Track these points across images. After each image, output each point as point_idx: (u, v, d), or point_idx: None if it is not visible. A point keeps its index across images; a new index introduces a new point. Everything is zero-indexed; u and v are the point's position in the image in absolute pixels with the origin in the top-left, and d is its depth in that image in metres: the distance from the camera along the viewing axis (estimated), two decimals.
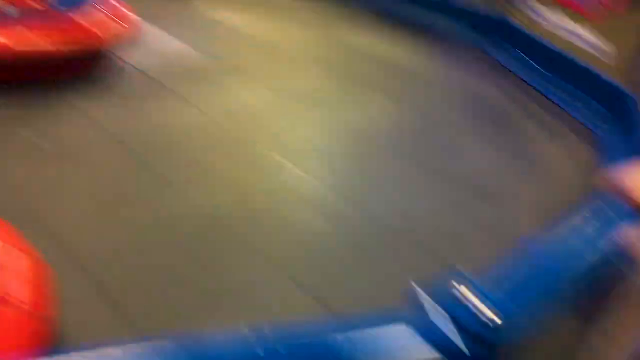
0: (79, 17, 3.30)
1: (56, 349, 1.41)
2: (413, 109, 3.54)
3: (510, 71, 4.12)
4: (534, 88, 3.89)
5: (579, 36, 3.71)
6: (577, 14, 3.74)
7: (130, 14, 3.51)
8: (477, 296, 1.09)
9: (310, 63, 4.07)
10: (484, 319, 1.07)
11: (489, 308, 1.08)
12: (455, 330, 1.03)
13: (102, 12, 3.40)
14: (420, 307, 1.07)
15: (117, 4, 3.57)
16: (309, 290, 2.14)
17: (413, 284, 1.10)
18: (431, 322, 1.04)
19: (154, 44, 3.82)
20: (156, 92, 3.42)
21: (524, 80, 3.98)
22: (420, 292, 1.09)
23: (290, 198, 2.69)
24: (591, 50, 3.65)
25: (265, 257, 2.30)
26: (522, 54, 4.18)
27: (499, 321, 1.07)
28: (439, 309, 1.06)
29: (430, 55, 4.40)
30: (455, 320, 1.04)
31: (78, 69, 3.34)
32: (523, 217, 2.72)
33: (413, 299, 1.09)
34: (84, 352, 0.91)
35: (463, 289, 1.08)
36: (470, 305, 1.06)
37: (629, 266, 1.43)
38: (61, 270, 1.76)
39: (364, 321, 1.07)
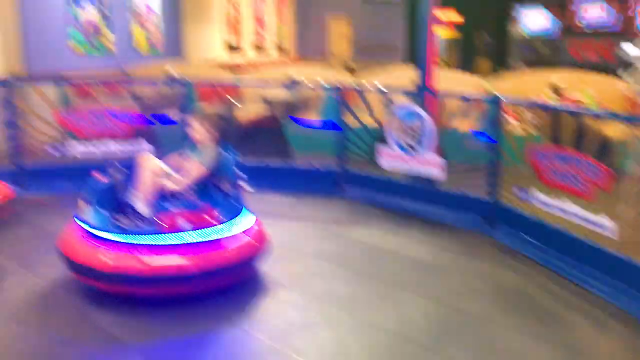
0: None
1: None
2: (444, 304, 3.48)
3: (527, 257, 4.17)
4: (557, 273, 3.91)
5: (582, 217, 3.88)
6: (574, 196, 3.92)
7: None
8: None
9: (323, 261, 4.09)
10: None
11: None
12: None
13: None
14: None
15: None
16: None
17: None
18: None
19: None
20: None
21: (544, 265, 4.03)
22: None
23: None
24: (595, 228, 3.77)
25: None
26: (534, 240, 4.29)
27: None
28: None
29: (444, 246, 4.46)
30: None
31: None
32: None
33: None
34: None
35: None
36: None
37: None
38: None
39: None
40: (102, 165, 3.72)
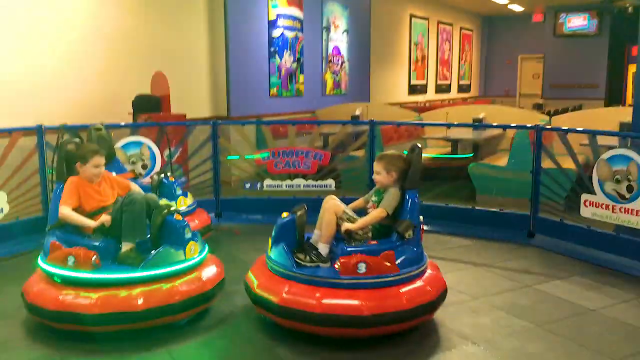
0: None
1: None
2: None
3: None
4: None
5: None
6: None
7: None
8: None
9: (513, 316, 3.76)
10: None
11: None
12: None
13: None
14: None
15: None
16: None
17: None
18: None
19: None
20: None
21: None
22: None
23: None
24: None
25: None
26: None
27: None
28: None
29: None
30: None
31: None
32: None
33: None
34: None
35: None
36: None
37: None
38: None
39: None
40: (290, 202, 3.84)
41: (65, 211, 3.62)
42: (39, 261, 3.56)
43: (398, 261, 3.33)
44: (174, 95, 6.81)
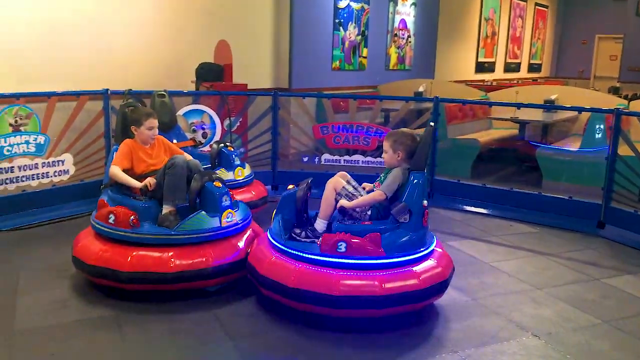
0: None
1: None
2: None
3: None
4: None
5: None
6: None
7: None
8: None
9: (579, 309, 3.52)
10: None
11: None
12: None
13: None
14: None
15: None
16: None
17: None
18: None
19: None
20: None
21: None
22: None
23: None
24: None
25: None
26: None
27: None
28: None
29: None
30: None
31: None
32: None
33: None
34: None
35: None
36: None
37: None
38: None
39: None
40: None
41: (115, 170, 3.71)
42: (91, 217, 3.68)
43: (380, 245, 3.11)
44: (237, 65, 6.78)
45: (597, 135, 6.21)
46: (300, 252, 3.19)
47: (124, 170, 3.74)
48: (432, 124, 3.42)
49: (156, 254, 3.35)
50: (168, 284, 3.34)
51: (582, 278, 4.08)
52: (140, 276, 3.30)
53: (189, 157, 3.88)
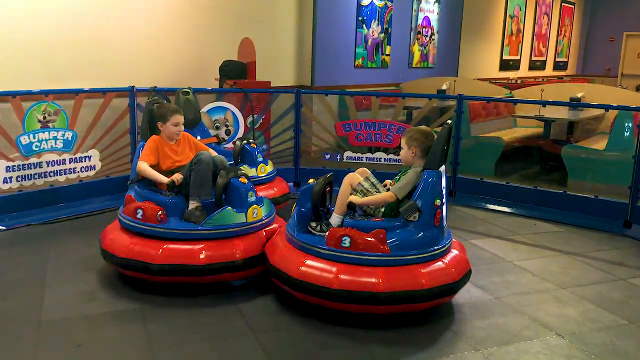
0: None
1: None
2: None
3: None
4: None
5: None
6: None
7: None
8: None
9: (605, 310, 3.46)
10: None
11: None
12: None
13: None
14: None
15: None
16: None
17: None
18: None
19: None
20: None
21: None
22: None
23: None
24: None
25: None
26: None
27: None
28: None
29: None
30: None
31: None
32: None
33: None
34: None
35: None
36: None
37: None
38: None
39: None
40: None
41: (143, 166, 3.77)
42: (119, 212, 3.75)
43: (386, 242, 3.09)
44: (260, 62, 6.82)
45: (625, 134, 6.10)
46: (309, 244, 3.24)
47: (151, 166, 3.79)
48: (449, 121, 3.40)
49: (187, 247, 3.41)
50: (198, 276, 3.39)
51: (608, 278, 4.02)
52: (171, 268, 3.36)
53: (214, 153, 3.92)
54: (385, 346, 2.97)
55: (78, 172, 5.24)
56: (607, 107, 5.97)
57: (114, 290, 3.56)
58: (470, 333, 3.14)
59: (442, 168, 3.35)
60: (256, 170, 4.88)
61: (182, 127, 3.96)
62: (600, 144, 6.67)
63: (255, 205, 3.60)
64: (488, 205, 5.75)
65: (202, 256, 3.37)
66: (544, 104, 6.60)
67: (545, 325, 3.26)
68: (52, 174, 5.06)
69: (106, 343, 2.95)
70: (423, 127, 3.54)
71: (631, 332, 3.23)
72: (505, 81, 12.36)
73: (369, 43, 9.03)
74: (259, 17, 7.54)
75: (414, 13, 9.94)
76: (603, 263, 4.30)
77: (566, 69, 16.93)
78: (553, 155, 7.09)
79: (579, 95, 7.82)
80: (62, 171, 5.13)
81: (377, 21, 9.09)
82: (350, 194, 3.39)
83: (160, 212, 3.50)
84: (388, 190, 3.40)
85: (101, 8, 5.96)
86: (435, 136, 3.38)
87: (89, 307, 3.33)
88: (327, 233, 3.25)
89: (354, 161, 6.08)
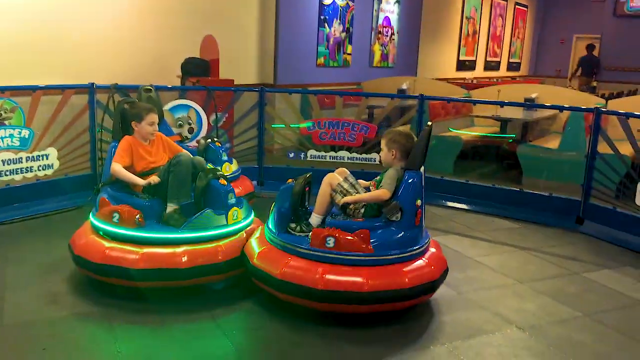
0: None
1: None
2: None
3: None
4: None
5: None
6: None
7: None
8: None
9: (561, 303, 3.59)
10: None
11: None
12: None
13: None
14: None
15: None
16: None
17: None
18: None
19: None
20: None
21: None
22: None
23: None
24: None
25: None
26: None
27: None
28: None
29: None
30: None
31: None
32: None
33: None
34: None
35: None
36: None
37: None
38: None
39: None
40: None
41: (117, 167, 3.67)
42: (90, 216, 3.64)
43: (370, 243, 3.14)
44: (223, 60, 6.78)
45: (576, 134, 6.34)
46: (292, 244, 3.24)
47: (125, 168, 3.69)
48: (429, 123, 3.47)
49: (168, 251, 3.32)
50: (180, 280, 3.33)
51: (563, 272, 4.19)
52: (152, 273, 3.27)
53: (189, 154, 3.86)
54: (355, 344, 3.03)
55: (35, 170, 5.10)
56: (561, 108, 6.18)
57: (77, 291, 3.49)
58: (436, 328, 3.23)
59: (422, 169, 3.42)
60: (221, 168, 4.86)
61: (157, 127, 3.86)
62: (553, 143, 6.92)
63: (235, 207, 3.58)
64: (448, 202, 5.89)
65: (184, 259, 3.30)
66: (502, 104, 6.79)
67: (506, 319, 3.38)
68: (7, 173, 4.91)
69: (72, 345, 2.91)
70: (402, 128, 3.60)
71: (586, 324, 3.39)
72: (462, 81, 12.64)
73: (331, 42, 9.08)
74: (222, 15, 7.49)
75: (374, 13, 10.05)
76: (558, 258, 4.48)
77: (519, 70, 17.43)
78: (509, 154, 7.31)
79: (533, 95, 8.07)
80: (19, 170, 4.98)
81: (338, 20, 9.15)
82: (330, 195, 3.41)
83: (138, 216, 3.41)
84: (368, 191, 3.44)
85: (61, 5, 5.81)
86: (415, 138, 3.44)
87: (53, 310, 3.26)
88: (307, 233, 3.27)
89: (318, 159, 6.12)
